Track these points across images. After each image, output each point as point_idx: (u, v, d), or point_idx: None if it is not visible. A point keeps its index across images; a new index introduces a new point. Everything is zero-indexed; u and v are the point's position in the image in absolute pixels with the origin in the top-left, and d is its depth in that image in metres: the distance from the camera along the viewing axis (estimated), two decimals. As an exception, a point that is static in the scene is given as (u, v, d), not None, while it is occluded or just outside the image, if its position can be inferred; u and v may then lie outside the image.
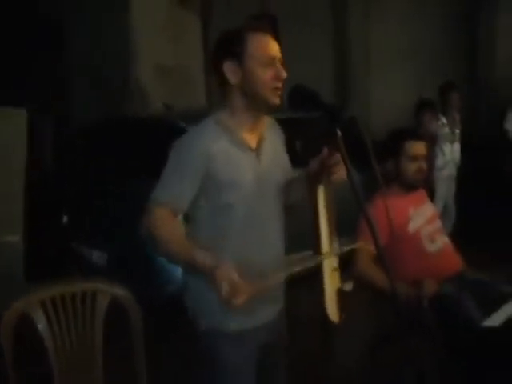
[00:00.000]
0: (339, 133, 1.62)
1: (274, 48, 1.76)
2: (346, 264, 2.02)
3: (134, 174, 3.94)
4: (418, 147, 2.84)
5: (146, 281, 3.64)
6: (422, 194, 2.98)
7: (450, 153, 4.67)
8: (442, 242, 2.83)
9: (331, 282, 1.81)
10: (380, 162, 2.96)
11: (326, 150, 1.71)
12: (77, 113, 6.90)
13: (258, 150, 1.83)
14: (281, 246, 1.92)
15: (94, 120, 4.98)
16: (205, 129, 1.79)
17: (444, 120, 4.87)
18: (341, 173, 1.69)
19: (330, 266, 1.81)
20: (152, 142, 3.97)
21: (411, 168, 2.82)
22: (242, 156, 1.79)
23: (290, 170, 1.98)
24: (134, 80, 7.12)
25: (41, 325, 2.09)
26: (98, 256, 3.93)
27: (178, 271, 3.69)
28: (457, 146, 4.94)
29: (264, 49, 1.74)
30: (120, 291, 2.20)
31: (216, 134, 1.77)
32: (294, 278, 1.79)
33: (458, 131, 5.01)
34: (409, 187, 2.84)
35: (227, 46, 1.77)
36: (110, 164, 4.19)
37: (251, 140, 1.82)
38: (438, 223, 2.91)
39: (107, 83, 6.85)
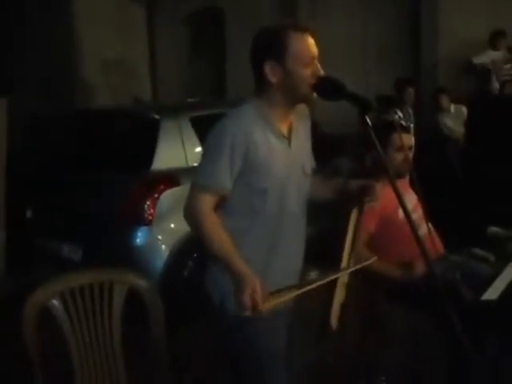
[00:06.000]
0: (369, 121, 1.71)
1: (313, 46, 1.80)
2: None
3: (107, 166, 3.86)
4: (405, 138, 3.01)
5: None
6: (405, 183, 3.15)
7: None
8: (426, 227, 3.02)
9: (339, 294, 1.98)
10: (366, 153, 3.12)
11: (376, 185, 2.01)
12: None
13: (289, 138, 1.89)
14: (302, 238, 2.02)
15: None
16: (244, 113, 1.82)
17: (400, 114, 5.12)
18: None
19: (342, 280, 2.01)
20: (126, 133, 3.91)
21: (398, 158, 2.98)
22: (277, 142, 1.85)
23: (312, 157, 2.07)
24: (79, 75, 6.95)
25: (61, 317, 2.05)
26: (70, 250, 3.82)
27: (158, 261, 3.66)
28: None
29: (305, 49, 1.78)
30: (139, 281, 2.18)
31: (254, 118, 1.81)
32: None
33: (412, 125, 5.28)
34: (395, 176, 2.99)
35: (268, 46, 1.79)
36: (78, 155, 4.07)
37: (283, 128, 1.88)
38: (420, 210, 3.09)
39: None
